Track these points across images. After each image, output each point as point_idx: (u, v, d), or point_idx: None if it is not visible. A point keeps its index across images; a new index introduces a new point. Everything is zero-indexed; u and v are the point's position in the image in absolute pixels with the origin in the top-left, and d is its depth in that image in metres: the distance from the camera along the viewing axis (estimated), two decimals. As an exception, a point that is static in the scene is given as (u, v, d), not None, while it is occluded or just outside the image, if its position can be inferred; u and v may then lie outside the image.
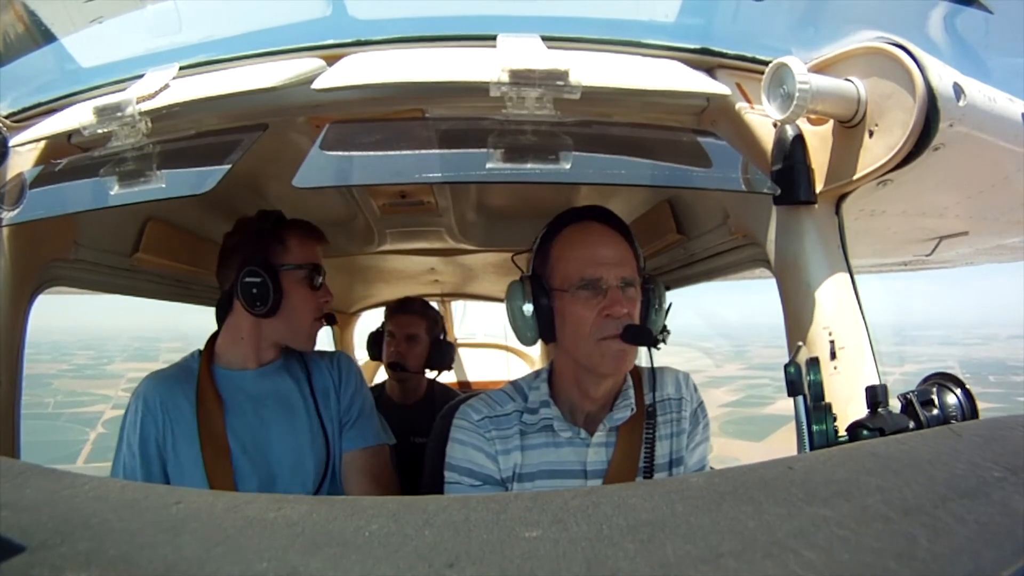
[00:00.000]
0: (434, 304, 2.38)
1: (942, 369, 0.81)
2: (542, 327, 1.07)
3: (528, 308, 1.06)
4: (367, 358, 2.58)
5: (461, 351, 3.61)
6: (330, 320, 1.35)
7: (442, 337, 2.35)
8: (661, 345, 1.06)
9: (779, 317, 1.12)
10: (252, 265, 1.22)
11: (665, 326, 1.11)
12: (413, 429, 2.13)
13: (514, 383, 1.15)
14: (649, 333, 1.04)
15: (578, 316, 1.02)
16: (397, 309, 2.30)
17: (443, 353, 2.31)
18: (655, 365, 1.12)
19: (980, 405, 0.77)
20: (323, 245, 1.34)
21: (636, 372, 1.14)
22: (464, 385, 3.45)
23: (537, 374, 1.14)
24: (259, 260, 1.23)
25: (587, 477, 1.06)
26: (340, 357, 1.39)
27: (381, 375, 2.37)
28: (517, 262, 1.17)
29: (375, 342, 2.42)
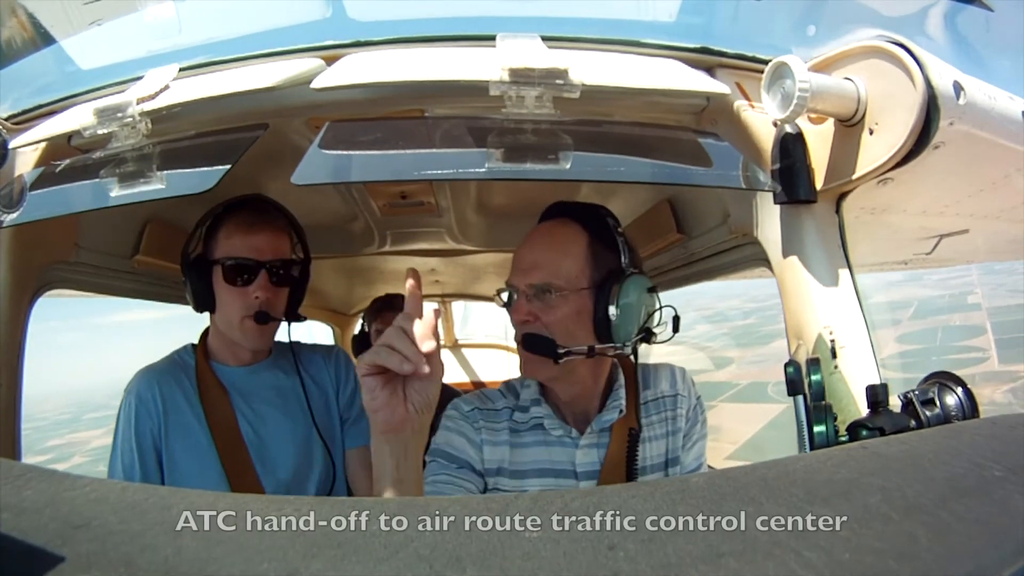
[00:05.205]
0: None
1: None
2: None
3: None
4: None
5: (466, 352, 3.61)
6: (260, 319, 1.21)
7: None
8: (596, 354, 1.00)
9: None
10: (183, 264, 1.23)
11: (650, 328, 1.04)
12: None
13: (507, 382, 1.14)
14: (546, 343, 0.98)
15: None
16: (383, 307, 2.31)
17: None
18: (653, 363, 1.11)
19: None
20: (265, 234, 1.21)
21: (630, 371, 1.12)
22: (477, 385, 3.46)
23: None
24: (187, 257, 1.23)
25: (578, 479, 1.05)
26: (338, 353, 1.38)
27: None
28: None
29: (360, 343, 2.41)
